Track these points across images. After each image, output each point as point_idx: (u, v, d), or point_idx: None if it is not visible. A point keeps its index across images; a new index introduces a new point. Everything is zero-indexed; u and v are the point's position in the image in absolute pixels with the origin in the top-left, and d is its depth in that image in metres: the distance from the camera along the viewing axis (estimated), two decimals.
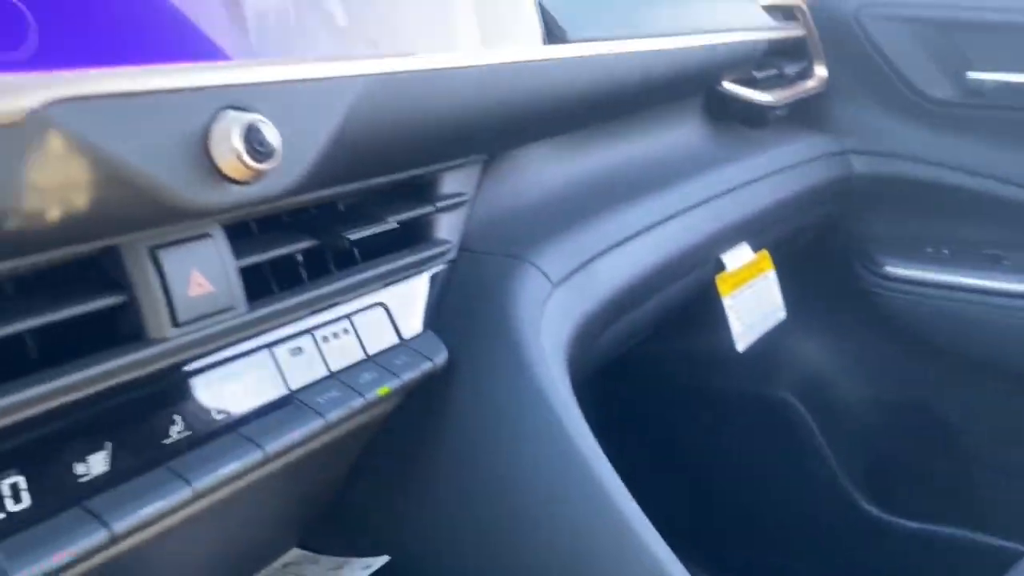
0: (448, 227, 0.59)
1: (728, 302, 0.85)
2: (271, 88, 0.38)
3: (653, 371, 1.19)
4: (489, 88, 0.54)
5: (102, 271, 0.38)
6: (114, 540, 0.36)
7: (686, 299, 0.84)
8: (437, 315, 0.55)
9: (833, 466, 1.25)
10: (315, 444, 0.47)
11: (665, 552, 0.49)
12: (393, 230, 0.53)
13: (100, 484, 0.37)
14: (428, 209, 0.56)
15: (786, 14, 1.07)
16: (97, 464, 0.38)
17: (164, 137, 0.34)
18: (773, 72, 1.03)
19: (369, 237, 0.50)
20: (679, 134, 0.94)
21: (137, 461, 0.39)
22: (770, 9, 1.03)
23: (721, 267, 0.86)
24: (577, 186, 0.75)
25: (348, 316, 0.50)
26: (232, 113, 0.36)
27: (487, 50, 0.54)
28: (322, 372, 0.47)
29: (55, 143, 0.31)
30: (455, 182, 0.61)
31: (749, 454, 1.26)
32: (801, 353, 1.28)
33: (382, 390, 0.48)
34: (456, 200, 0.60)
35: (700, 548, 1.25)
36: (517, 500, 0.50)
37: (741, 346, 0.85)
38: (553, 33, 0.59)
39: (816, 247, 1.19)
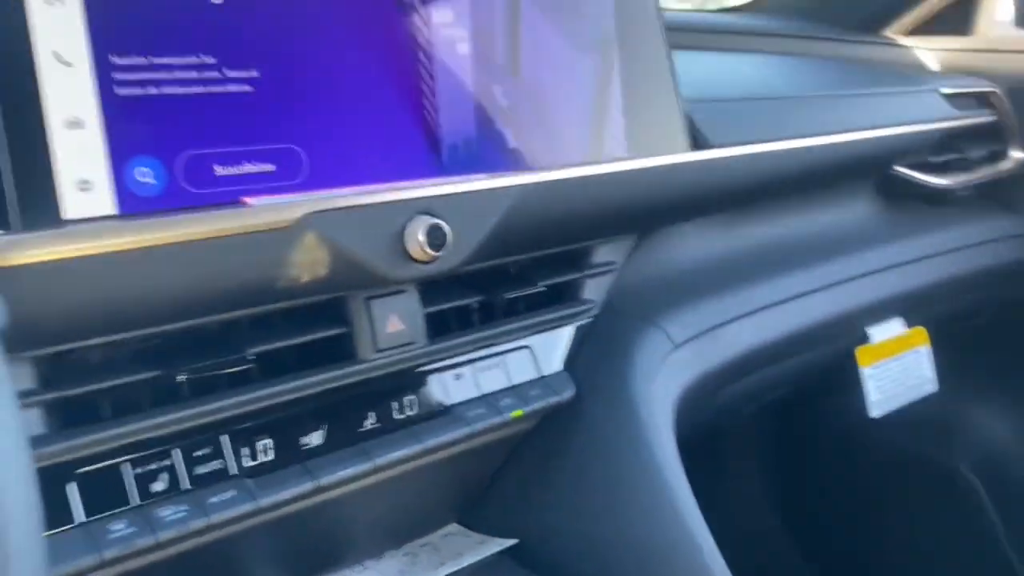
0: (595, 289, 0.74)
1: (867, 372, 0.92)
2: (448, 198, 0.56)
3: (820, 420, 1.26)
4: (630, 189, 0.68)
5: (331, 312, 0.57)
6: (319, 489, 0.55)
7: (824, 366, 0.93)
8: (573, 359, 0.71)
9: (1004, 545, 1.25)
10: (466, 446, 0.64)
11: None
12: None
13: (316, 452, 0.57)
14: (576, 276, 0.72)
15: (980, 99, 1.11)
16: (316, 439, 0.57)
17: (376, 234, 0.53)
18: (954, 156, 1.07)
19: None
20: (846, 211, 1.02)
21: (341, 440, 0.58)
22: (960, 96, 1.08)
23: (866, 339, 0.94)
24: (725, 258, 0.87)
25: (501, 353, 0.67)
26: (421, 217, 0.54)
27: (634, 158, 0.68)
28: (474, 394, 0.64)
29: (309, 238, 0.50)
30: (608, 252, 0.76)
31: (915, 519, 1.28)
32: (980, 427, 1.29)
33: (516, 412, 0.64)
34: (605, 269, 0.75)
35: None
36: (612, 517, 0.65)
37: (875, 413, 0.93)
38: (698, 141, 0.73)
39: (999, 324, 1.20)
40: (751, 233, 0.91)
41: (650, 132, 0.70)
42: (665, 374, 0.70)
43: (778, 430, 1.25)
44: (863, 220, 1.03)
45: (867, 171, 0.98)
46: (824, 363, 0.94)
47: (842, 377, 1.02)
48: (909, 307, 0.99)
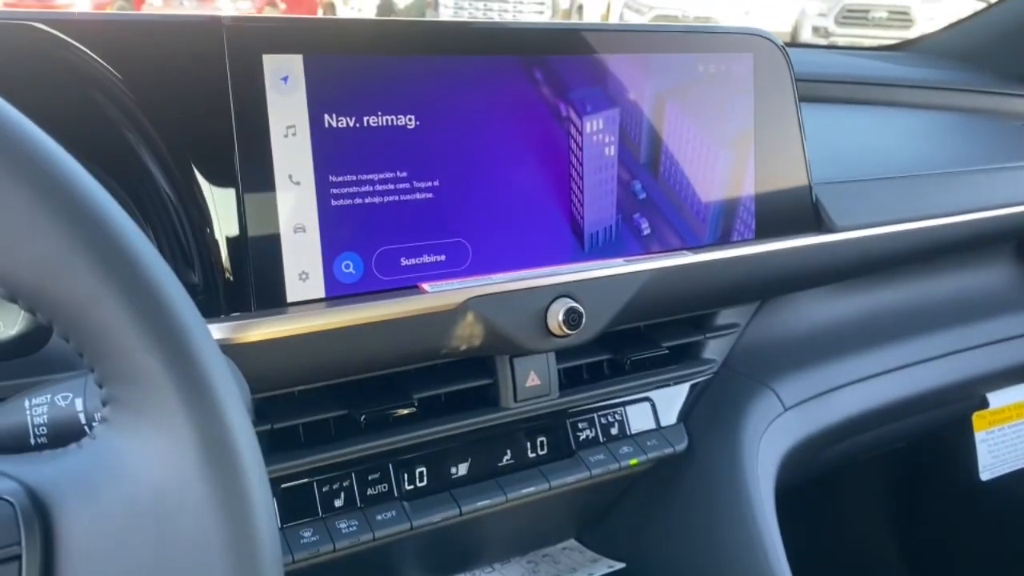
0: (716, 349, 0.83)
1: (980, 436, 0.96)
2: (585, 283, 0.65)
3: (939, 465, 1.29)
4: (756, 268, 0.75)
5: (481, 367, 0.68)
6: (461, 515, 0.67)
7: (938, 426, 0.97)
8: (689, 412, 0.80)
9: None
10: (585, 484, 0.75)
11: None
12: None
13: (461, 482, 0.69)
14: (698, 338, 0.80)
15: None
16: (462, 470, 0.69)
17: (522, 313, 0.63)
18: None
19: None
20: (979, 274, 1.04)
21: (482, 473, 0.70)
22: None
23: (985, 404, 0.98)
24: (847, 321, 0.92)
25: (623, 404, 0.77)
26: (561, 299, 0.65)
27: (761, 241, 0.75)
28: (597, 440, 0.74)
29: (469, 317, 0.61)
30: (731, 315, 0.84)
31: None
32: None
33: (632, 461, 0.74)
34: (727, 332, 0.83)
35: None
36: (708, 561, 0.74)
37: (985, 476, 0.96)
38: (823, 224, 0.79)
39: None
40: (877, 297, 0.95)
41: (779, 217, 0.77)
42: (772, 435, 0.78)
43: (896, 475, 1.28)
44: (997, 284, 1.05)
45: (1004, 241, 1.00)
46: (938, 424, 0.98)
47: (961, 427, 1.05)
48: None
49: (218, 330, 0.53)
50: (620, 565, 0.81)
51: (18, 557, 0.30)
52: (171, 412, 0.31)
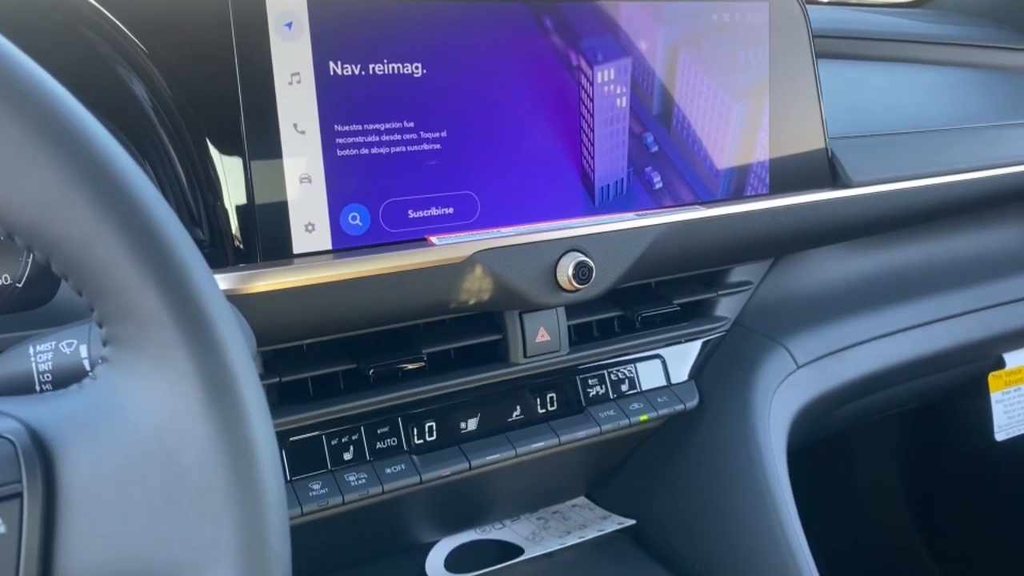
0: (728, 307, 0.82)
1: (996, 397, 0.95)
2: (595, 237, 0.65)
3: (952, 426, 1.28)
4: (770, 224, 0.74)
5: (490, 322, 0.68)
6: (470, 468, 0.67)
7: (953, 385, 0.96)
8: (700, 369, 0.79)
9: None
10: (596, 440, 0.74)
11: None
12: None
13: (470, 436, 0.68)
14: (710, 295, 0.79)
15: None
16: (472, 424, 0.69)
17: (531, 267, 0.63)
18: None
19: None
20: (995, 233, 1.02)
21: (491, 428, 0.69)
22: None
23: (1001, 364, 0.96)
24: (861, 280, 0.91)
25: (634, 361, 0.76)
26: (571, 254, 0.64)
27: (775, 196, 0.74)
28: (607, 396, 0.74)
29: (478, 270, 0.61)
30: (744, 272, 0.83)
31: None
32: None
33: (643, 417, 0.74)
34: (740, 289, 0.82)
35: None
36: (719, 518, 0.73)
37: (1000, 437, 0.95)
38: (839, 179, 0.78)
39: None
40: (892, 256, 0.94)
41: (793, 171, 0.75)
42: (784, 393, 0.77)
43: (909, 435, 1.27)
44: (1015, 242, 1.03)
45: (1022, 198, 0.98)
46: (953, 384, 0.96)
47: (976, 387, 1.04)
48: None
49: (224, 280, 0.53)
50: (630, 522, 0.81)
51: (19, 495, 0.30)
52: (171, 349, 0.30)
